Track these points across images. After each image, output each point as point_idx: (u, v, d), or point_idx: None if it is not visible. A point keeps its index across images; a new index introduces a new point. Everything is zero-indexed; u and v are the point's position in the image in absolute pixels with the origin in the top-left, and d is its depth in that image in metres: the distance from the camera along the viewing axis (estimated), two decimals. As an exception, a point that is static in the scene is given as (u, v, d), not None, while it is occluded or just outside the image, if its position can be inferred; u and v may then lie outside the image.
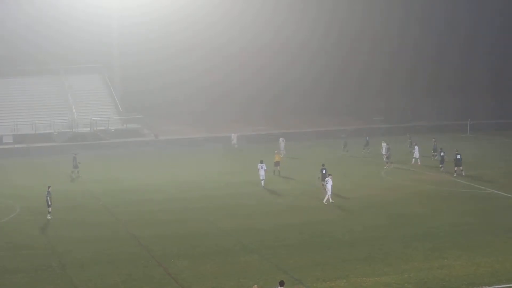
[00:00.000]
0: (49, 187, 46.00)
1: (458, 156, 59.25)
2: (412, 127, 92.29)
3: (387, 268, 33.86)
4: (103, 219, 45.31)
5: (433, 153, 68.16)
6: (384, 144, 67.01)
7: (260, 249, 37.55)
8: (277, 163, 60.68)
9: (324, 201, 48.93)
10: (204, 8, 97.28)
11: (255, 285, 28.25)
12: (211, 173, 62.30)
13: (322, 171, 53.32)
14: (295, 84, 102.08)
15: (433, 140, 70.00)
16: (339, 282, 31.99)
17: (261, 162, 55.96)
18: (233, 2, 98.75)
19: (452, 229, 41.36)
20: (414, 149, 66.87)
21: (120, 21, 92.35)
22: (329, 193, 48.97)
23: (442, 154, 63.17)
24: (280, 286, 27.21)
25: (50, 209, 45.14)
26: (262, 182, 55.54)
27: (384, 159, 65.59)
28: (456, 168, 59.00)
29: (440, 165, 62.98)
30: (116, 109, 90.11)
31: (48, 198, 45.15)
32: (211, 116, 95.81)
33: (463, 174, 58.72)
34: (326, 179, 49.53)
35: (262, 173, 55.56)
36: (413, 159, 66.05)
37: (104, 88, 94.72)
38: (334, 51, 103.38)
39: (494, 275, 32.60)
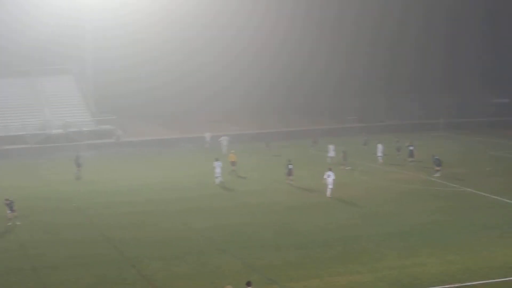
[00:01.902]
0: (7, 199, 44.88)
1: (411, 148, 65.37)
2: (386, 126, 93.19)
3: (361, 267, 33.92)
4: (76, 221, 44.95)
5: (397, 153, 68.63)
6: (331, 146, 67.08)
7: (233, 249, 37.49)
8: (233, 163, 61.11)
9: (329, 194, 50.29)
10: (182, 9, 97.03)
11: (229, 286, 28.22)
12: (185, 174, 62.16)
13: (288, 167, 55.55)
14: (276, 85, 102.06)
15: (396, 140, 70.49)
16: (313, 282, 32.00)
17: (217, 160, 57.20)
18: (209, 4, 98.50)
19: (425, 227, 41.58)
20: (376, 147, 67.38)
21: (93, 21, 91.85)
22: (330, 186, 50.34)
23: (411, 148, 65.29)
24: (247, 287, 27.20)
25: (14, 214, 44.24)
26: (217, 179, 56.50)
27: (328, 161, 65.81)
28: (437, 168, 59.23)
29: (410, 159, 64.78)
30: (89, 110, 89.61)
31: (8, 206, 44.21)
32: (188, 117, 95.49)
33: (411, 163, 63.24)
34: (328, 173, 50.86)
35: (218, 170, 56.64)
36: (378, 157, 66.44)
37: (77, 89, 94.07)
38: (313, 51, 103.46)
39: (466, 273, 32.79)
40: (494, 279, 31.92)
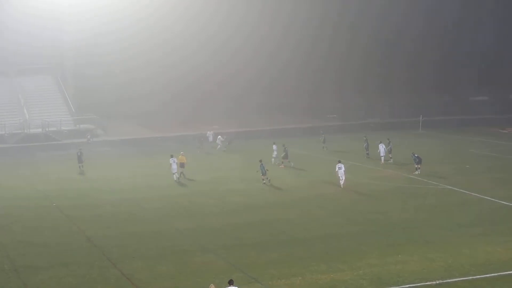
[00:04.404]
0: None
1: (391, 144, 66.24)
2: (366, 124, 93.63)
3: (343, 265, 34.02)
4: (57, 221, 44.68)
5: (366, 152, 68.76)
6: (274, 146, 66.92)
7: (216, 248, 37.47)
8: (182, 165, 59.30)
9: (342, 186, 52.85)
10: (162, 9, 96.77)
11: (212, 284, 28.19)
12: (165, 173, 61.87)
13: (262, 166, 55.87)
14: (255, 83, 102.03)
15: (364, 138, 70.48)
16: (294, 280, 32.06)
17: (172, 156, 57.90)
18: (200, 6, 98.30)
19: (406, 225, 41.78)
20: (378, 147, 67.30)
21: (72, 20, 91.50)
22: (342, 177, 52.96)
23: (391, 145, 66.03)
24: (230, 285, 27.21)
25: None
26: (174, 176, 57.37)
27: (273, 162, 65.59)
28: (417, 166, 59.43)
29: (390, 155, 65.48)
30: (69, 109, 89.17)
31: None
32: (166, 116, 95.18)
33: (391, 161, 65.06)
34: (339, 166, 53.31)
35: (174, 166, 57.43)
36: (382, 157, 66.07)
37: (56, 89, 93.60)
38: (293, 51, 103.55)
39: (447, 270, 32.96)
40: (475, 276, 32.13)
